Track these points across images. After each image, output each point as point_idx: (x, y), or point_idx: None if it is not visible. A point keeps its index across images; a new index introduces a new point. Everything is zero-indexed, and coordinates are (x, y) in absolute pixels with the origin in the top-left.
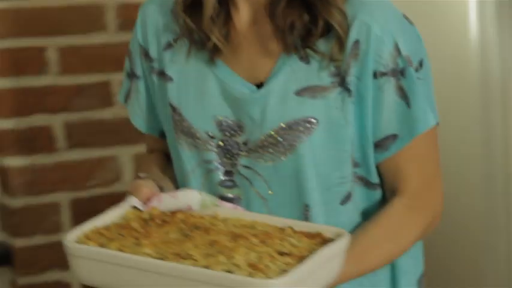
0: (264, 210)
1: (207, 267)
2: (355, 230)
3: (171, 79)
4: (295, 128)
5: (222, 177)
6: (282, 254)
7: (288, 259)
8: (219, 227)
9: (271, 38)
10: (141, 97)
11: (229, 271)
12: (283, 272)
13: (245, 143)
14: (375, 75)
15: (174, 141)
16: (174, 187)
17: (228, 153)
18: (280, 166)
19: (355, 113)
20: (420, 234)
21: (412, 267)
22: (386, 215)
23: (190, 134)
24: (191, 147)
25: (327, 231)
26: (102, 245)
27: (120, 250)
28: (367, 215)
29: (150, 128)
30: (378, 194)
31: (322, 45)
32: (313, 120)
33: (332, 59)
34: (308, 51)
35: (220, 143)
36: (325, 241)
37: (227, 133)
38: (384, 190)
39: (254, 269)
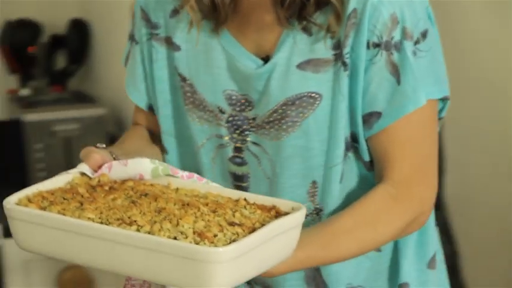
0: (268, 191)
1: (150, 233)
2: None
3: (178, 48)
4: (299, 104)
5: (232, 153)
6: (232, 224)
7: (238, 229)
8: (170, 195)
9: (271, 10)
10: (136, 64)
11: (174, 238)
12: (232, 242)
13: (254, 118)
14: (368, 45)
15: (182, 114)
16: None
17: (238, 128)
18: (284, 144)
19: (349, 87)
20: (402, 228)
21: (417, 252)
22: (365, 201)
23: (202, 106)
24: (202, 120)
25: (283, 204)
26: (43, 208)
27: (62, 214)
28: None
29: (138, 98)
30: (370, 175)
31: (321, 16)
32: (315, 95)
33: (329, 31)
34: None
35: (230, 118)
36: (279, 215)
37: (237, 108)
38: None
39: (201, 237)
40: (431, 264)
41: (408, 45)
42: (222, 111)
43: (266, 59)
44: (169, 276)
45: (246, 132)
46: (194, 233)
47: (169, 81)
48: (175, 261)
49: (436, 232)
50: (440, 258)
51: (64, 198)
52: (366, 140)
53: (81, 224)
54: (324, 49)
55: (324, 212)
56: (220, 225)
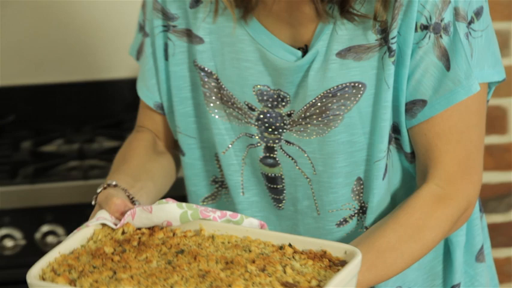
0: (308, 192)
1: None
2: (371, 228)
3: (201, 40)
4: (340, 95)
5: (263, 154)
6: (286, 285)
7: None
8: (208, 249)
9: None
10: (146, 58)
11: None
12: None
13: (289, 115)
14: (416, 27)
15: (203, 112)
16: (154, 187)
17: (270, 126)
18: (326, 140)
19: (395, 75)
20: (449, 228)
21: (465, 243)
22: (408, 208)
23: (230, 103)
24: (231, 117)
25: (334, 248)
26: (73, 282)
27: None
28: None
29: (147, 95)
30: (412, 167)
31: (366, 5)
32: (359, 85)
33: (376, 19)
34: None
35: (261, 115)
36: (333, 262)
37: (269, 104)
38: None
39: None
40: (479, 257)
41: (461, 27)
42: (251, 109)
43: (304, 50)
44: None
45: (280, 130)
46: None
47: (190, 77)
48: None
49: (481, 222)
50: (488, 251)
51: (94, 267)
52: (407, 130)
53: None
54: (367, 34)
55: (368, 210)
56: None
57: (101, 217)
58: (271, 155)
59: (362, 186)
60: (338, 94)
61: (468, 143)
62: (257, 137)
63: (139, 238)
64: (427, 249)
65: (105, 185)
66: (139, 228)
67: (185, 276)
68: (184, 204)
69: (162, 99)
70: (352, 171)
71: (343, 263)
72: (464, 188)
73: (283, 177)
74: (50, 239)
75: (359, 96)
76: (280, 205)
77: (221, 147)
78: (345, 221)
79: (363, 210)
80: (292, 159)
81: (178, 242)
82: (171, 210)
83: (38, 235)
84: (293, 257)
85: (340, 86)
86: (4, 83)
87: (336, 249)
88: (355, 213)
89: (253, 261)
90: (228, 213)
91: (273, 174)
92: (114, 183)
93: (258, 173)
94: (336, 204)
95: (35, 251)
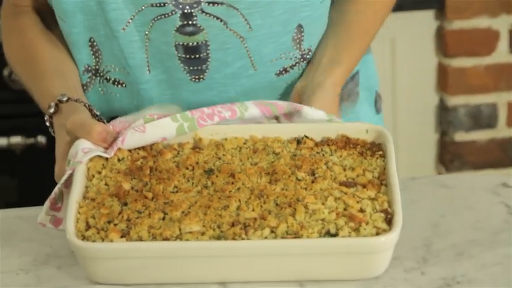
0: (242, 51)
1: (297, 235)
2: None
3: None
4: None
5: (180, 22)
6: (347, 185)
7: (368, 192)
8: (235, 163)
9: None
10: None
11: (328, 233)
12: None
13: None
14: None
15: None
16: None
17: None
18: None
19: None
20: None
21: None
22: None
23: None
24: None
25: (352, 130)
26: (125, 235)
27: (154, 236)
28: None
29: None
30: None
31: None
32: None
33: None
34: None
35: None
36: (364, 147)
37: None
38: None
39: (353, 221)
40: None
41: None
42: None
43: None
44: (329, 272)
45: None
46: (337, 215)
47: None
48: (340, 257)
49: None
50: None
51: (138, 211)
52: None
53: (217, 246)
54: None
55: (310, 58)
56: (344, 193)
57: (87, 148)
58: (190, 22)
59: (302, 34)
60: None
61: None
62: (171, 5)
63: (148, 164)
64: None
65: (56, 102)
66: (129, 151)
67: (242, 200)
68: (178, 115)
69: None
70: (291, 18)
71: (374, 146)
72: None
73: (208, 43)
74: None
75: None
76: (200, 76)
77: (119, 23)
78: (285, 70)
79: (303, 58)
80: (221, 21)
81: (195, 161)
82: (165, 126)
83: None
84: (322, 150)
85: None
86: None
87: (355, 129)
88: (296, 63)
89: (297, 167)
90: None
91: (194, 43)
92: (65, 98)
93: (167, 48)
94: (274, 54)
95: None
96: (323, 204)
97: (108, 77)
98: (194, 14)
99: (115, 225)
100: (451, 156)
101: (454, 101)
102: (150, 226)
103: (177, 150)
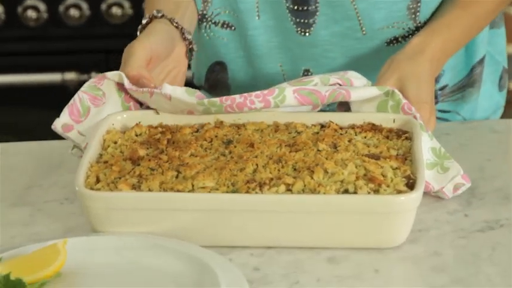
0: (351, 13)
1: (315, 191)
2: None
3: None
4: None
5: None
6: (372, 157)
7: (391, 162)
8: (255, 136)
9: None
10: None
11: (346, 192)
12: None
13: None
14: None
15: None
16: (193, 14)
17: None
18: None
19: None
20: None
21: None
22: None
23: None
24: None
25: (379, 119)
26: (135, 188)
27: (165, 190)
28: None
29: None
30: None
31: None
32: None
33: None
34: None
35: None
36: (390, 132)
37: None
38: None
39: (373, 182)
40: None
41: None
42: None
43: None
44: (345, 237)
45: None
46: (357, 178)
47: None
48: (358, 218)
49: None
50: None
51: (151, 169)
52: None
53: (234, 199)
54: None
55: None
56: (365, 161)
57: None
58: None
59: (419, 4)
60: None
61: None
62: None
63: (165, 137)
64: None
65: (150, 15)
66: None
67: (260, 164)
68: (206, 101)
69: None
70: None
71: (401, 131)
72: None
73: (318, 8)
74: (73, 12)
75: None
76: (306, 30)
77: None
78: (396, 40)
79: (418, 31)
80: None
81: (215, 134)
82: (190, 104)
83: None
84: (346, 132)
85: None
86: None
87: (382, 119)
88: (409, 34)
89: (318, 140)
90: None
91: (304, 7)
92: (160, 14)
93: (282, 12)
94: (386, 21)
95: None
96: (343, 169)
97: (217, 21)
98: None
99: (126, 180)
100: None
101: None
102: (162, 182)
103: (197, 128)
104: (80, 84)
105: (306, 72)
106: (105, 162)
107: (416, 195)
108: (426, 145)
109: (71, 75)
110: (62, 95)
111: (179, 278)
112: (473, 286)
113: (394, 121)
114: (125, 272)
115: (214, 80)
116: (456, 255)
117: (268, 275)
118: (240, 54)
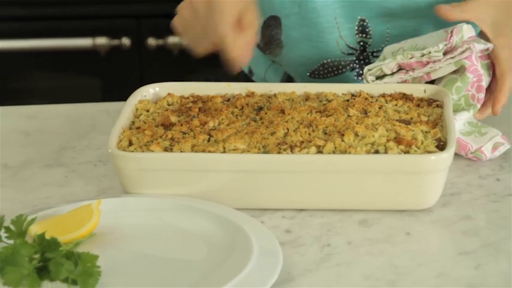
0: None
1: (345, 153)
2: None
3: None
4: None
5: None
6: (404, 122)
7: (422, 126)
8: (285, 104)
9: None
10: None
11: (377, 153)
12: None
13: None
14: None
15: None
16: None
17: None
18: None
19: None
20: None
21: None
22: None
23: None
24: None
25: (409, 89)
26: (167, 150)
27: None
28: None
29: None
30: None
31: None
32: None
33: None
34: None
35: None
36: (421, 100)
37: None
38: None
39: (402, 144)
40: None
41: None
42: None
43: None
44: (376, 199)
45: None
46: (388, 140)
47: None
48: (388, 179)
49: None
50: None
51: (183, 132)
52: None
53: (265, 159)
54: None
55: None
56: (397, 126)
57: None
58: None
59: None
60: None
61: None
62: None
63: (197, 105)
64: None
65: None
66: (185, 98)
67: (290, 128)
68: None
69: None
70: None
71: (432, 100)
72: None
73: None
74: None
75: None
76: None
77: None
78: None
79: None
80: None
81: (246, 102)
82: None
83: None
84: (377, 100)
85: None
86: None
87: (412, 89)
88: None
89: (349, 106)
90: None
91: None
92: None
93: None
94: None
95: None
96: (374, 132)
97: None
98: None
99: (158, 143)
100: None
101: None
102: (194, 145)
103: (228, 98)
104: (111, 48)
105: (362, 22)
106: (138, 128)
107: (447, 155)
108: (463, 118)
109: (101, 40)
110: (93, 59)
111: (212, 240)
112: (504, 250)
113: (425, 91)
114: (157, 233)
115: (269, 36)
116: (488, 219)
117: (300, 237)
118: (295, 10)
